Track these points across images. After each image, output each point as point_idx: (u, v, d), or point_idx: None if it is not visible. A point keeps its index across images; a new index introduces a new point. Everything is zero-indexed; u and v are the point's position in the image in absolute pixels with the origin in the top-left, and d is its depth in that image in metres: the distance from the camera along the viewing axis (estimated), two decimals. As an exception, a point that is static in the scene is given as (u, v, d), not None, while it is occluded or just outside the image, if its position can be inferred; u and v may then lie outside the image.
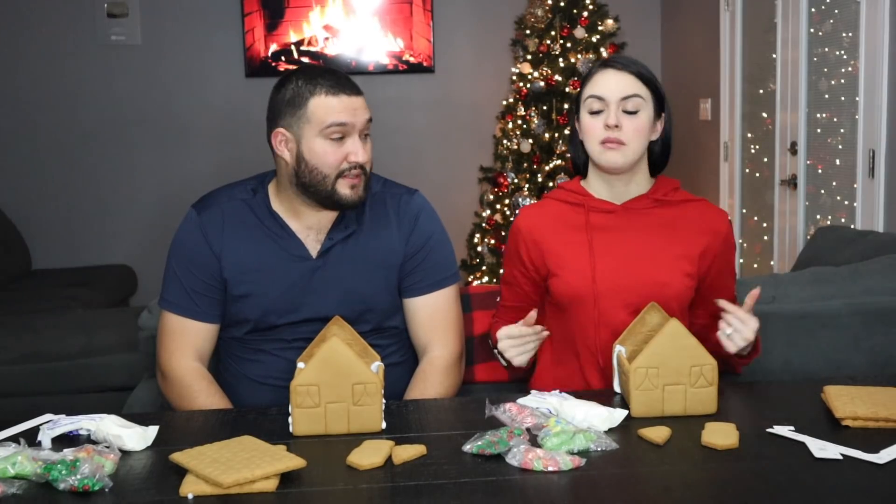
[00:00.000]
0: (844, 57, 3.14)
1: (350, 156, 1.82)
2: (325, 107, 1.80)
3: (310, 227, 1.90)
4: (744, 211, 4.16)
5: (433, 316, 1.94)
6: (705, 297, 1.89)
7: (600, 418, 1.49)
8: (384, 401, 1.53)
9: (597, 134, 1.84)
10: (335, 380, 1.49)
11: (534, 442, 1.42)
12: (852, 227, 3.04)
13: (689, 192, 1.97)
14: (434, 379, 1.90)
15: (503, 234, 4.82)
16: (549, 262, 1.91)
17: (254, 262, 1.88)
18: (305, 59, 5.27)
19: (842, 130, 3.19)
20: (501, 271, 2.04)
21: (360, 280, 1.88)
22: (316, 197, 1.85)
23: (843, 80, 3.16)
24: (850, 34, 3.08)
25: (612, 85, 1.84)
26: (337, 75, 1.85)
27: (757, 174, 4.00)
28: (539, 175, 4.74)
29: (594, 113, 1.85)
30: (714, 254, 1.89)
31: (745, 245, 4.17)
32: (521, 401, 1.57)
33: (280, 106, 1.84)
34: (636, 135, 1.83)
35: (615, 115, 1.82)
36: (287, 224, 1.90)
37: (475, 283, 4.88)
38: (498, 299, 2.05)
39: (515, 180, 4.81)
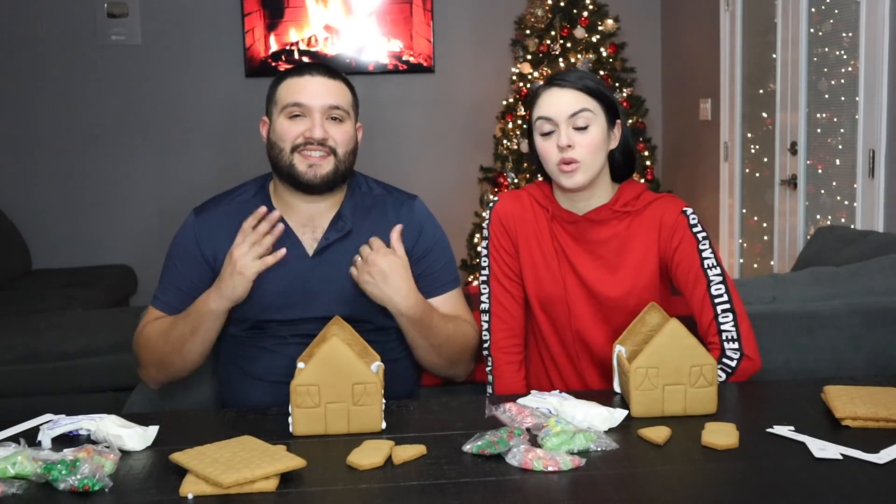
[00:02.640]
0: (844, 57, 3.14)
1: (306, 132, 1.85)
2: (287, 87, 1.89)
3: (304, 224, 1.91)
4: (744, 211, 4.16)
5: (449, 313, 1.96)
6: (684, 295, 1.86)
7: (600, 418, 1.49)
8: (384, 401, 1.53)
9: (552, 157, 1.83)
10: (335, 380, 1.49)
11: (534, 442, 1.42)
12: (852, 227, 3.04)
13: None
14: (466, 329, 1.94)
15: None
16: (521, 258, 1.92)
17: None
18: (305, 59, 5.27)
19: (842, 130, 3.19)
20: (485, 272, 1.96)
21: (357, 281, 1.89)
22: (280, 175, 1.89)
23: (843, 80, 3.16)
24: (850, 34, 3.08)
25: (558, 104, 1.82)
26: (315, 64, 1.93)
27: (757, 174, 4.00)
28: (539, 175, 4.74)
29: (546, 135, 1.84)
30: (665, 248, 1.86)
31: (745, 245, 4.17)
32: (521, 401, 1.57)
33: (267, 97, 1.94)
34: (590, 150, 1.81)
35: (566, 135, 1.80)
36: (285, 220, 1.91)
37: (475, 283, 4.88)
38: (485, 305, 1.96)
39: (515, 180, 4.81)
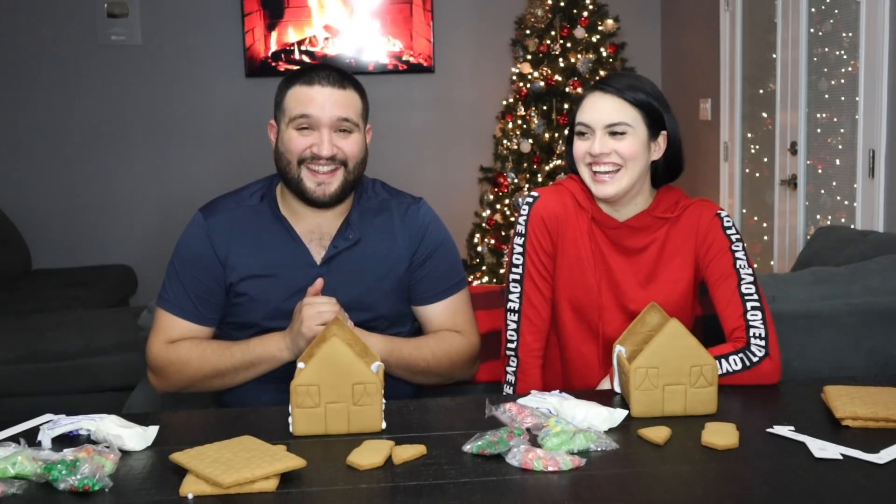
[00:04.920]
0: (844, 57, 3.14)
1: (314, 147, 1.84)
2: (295, 97, 1.86)
3: (312, 231, 1.91)
4: (744, 211, 4.16)
5: (448, 320, 1.96)
6: (711, 291, 1.85)
7: (600, 418, 1.49)
8: (384, 401, 1.53)
9: (583, 158, 1.83)
10: (335, 380, 1.49)
11: (534, 442, 1.42)
12: (852, 227, 3.04)
13: (691, 195, 1.95)
14: (453, 341, 1.92)
15: (503, 234, 4.82)
16: (557, 259, 1.89)
17: (260, 267, 1.88)
18: (306, 59, 5.27)
19: (842, 130, 3.19)
20: (518, 270, 1.89)
21: (365, 288, 1.89)
22: (289, 187, 1.88)
23: (843, 80, 3.15)
24: (850, 34, 3.08)
25: (597, 111, 1.81)
26: (324, 69, 1.88)
27: (757, 174, 4.00)
28: (539, 175, 4.74)
29: (581, 136, 1.84)
30: (699, 250, 1.86)
31: (745, 245, 4.17)
32: (521, 401, 1.57)
33: (275, 100, 1.92)
34: (622, 160, 1.80)
35: (600, 143, 1.80)
36: (293, 228, 1.91)
37: (475, 283, 4.88)
38: (513, 304, 1.90)
39: (515, 180, 4.81)
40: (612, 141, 1.80)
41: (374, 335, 1.85)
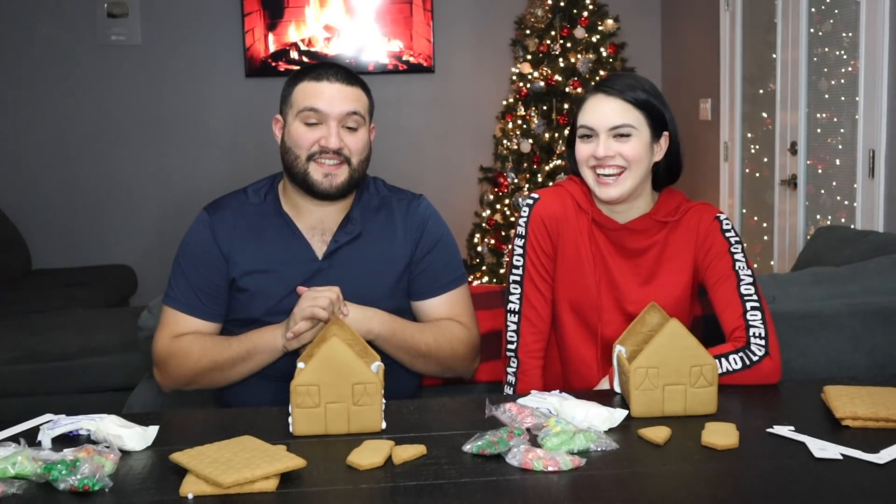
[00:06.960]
0: (844, 57, 3.14)
1: (322, 140, 1.85)
2: (303, 91, 1.87)
3: (314, 227, 1.92)
4: (744, 211, 4.16)
5: (446, 313, 1.95)
6: (711, 293, 1.86)
7: (600, 418, 1.49)
8: (384, 401, 1.53)
9: (587, 162, 1.83)
10: (335, 380, 1.49)
11: (534, 442, 1.42)
12: (852, 227, 3.04)
13: (692, 196, 1.95)
14: (454, 329, 1.92)
15: (503, 234, 4.82)
16: (557, 260, 1.90)
17: (262, 263, 1.89)
18: (306, 59, 5.27)
19: (842, 130, 3.19)
20: (518, 271, 1.90)
21: (366, 283, 1.89)
22: (295, 181, 1.89)
23: (843, 80, 3.16)
24: (850, 34, 3.08)
25: (600, 114, 1.81)
26: (332, 67, 1.90)
27: (757, 174, 4.00)
28: (539, 175, 4.74)
29: (585, 139, 1.84)
30: (698, 253, 1.86)
31: (745, 245, 4.17)
32: (521, 401, 1.57)
33: (281, 95, 1.93)
34: (626, 162, 1.80)
35: (604, 146, 1.80)
36: (295, 224, 1.92)
37: (475, 283, 4.88)
38: (514, 305, 1.91)
39: (515, 180, 4.81)
40: (617, 143, 1.80)
41: (379, 312, 1.85)
